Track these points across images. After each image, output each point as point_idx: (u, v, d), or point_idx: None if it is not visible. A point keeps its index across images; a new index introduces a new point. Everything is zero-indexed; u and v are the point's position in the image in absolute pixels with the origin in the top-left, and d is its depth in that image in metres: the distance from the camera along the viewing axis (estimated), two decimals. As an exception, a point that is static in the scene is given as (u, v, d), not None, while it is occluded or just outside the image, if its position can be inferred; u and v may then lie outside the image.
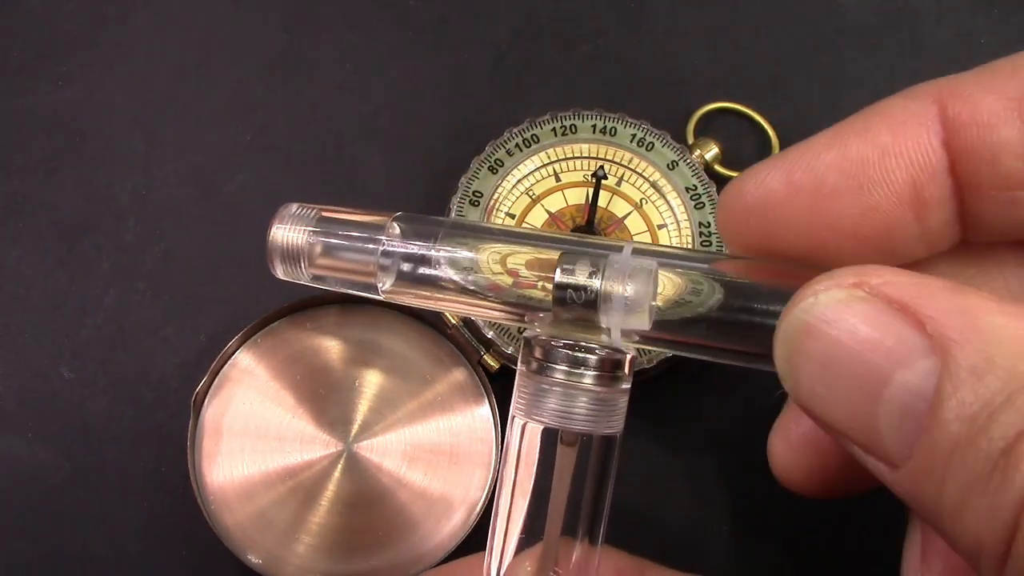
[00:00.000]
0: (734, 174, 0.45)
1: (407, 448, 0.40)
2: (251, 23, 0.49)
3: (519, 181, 0.43)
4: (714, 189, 0.43)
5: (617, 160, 0.43)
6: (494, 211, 0.42)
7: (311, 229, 0.30)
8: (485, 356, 0.41)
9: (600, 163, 0.43)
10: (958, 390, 0.20)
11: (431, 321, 0.42)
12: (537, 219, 0.43)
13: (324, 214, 0.31)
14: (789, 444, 0.32)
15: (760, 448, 0.42)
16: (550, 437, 0.27)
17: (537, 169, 0.43)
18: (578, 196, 0.43)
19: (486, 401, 0.41)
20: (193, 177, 0.46)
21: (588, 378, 0.27)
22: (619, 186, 0.43)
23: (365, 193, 0.46)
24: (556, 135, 0.43)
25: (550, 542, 0.28)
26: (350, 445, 0.40)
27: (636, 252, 0.27)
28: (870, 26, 0.50)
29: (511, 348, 0.40)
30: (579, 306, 0.27)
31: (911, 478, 0.21)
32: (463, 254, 0.29)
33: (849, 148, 0.27)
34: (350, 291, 0.31)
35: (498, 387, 0.41)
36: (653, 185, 0.43)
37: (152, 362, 0.43)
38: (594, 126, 0.44)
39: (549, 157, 0.43)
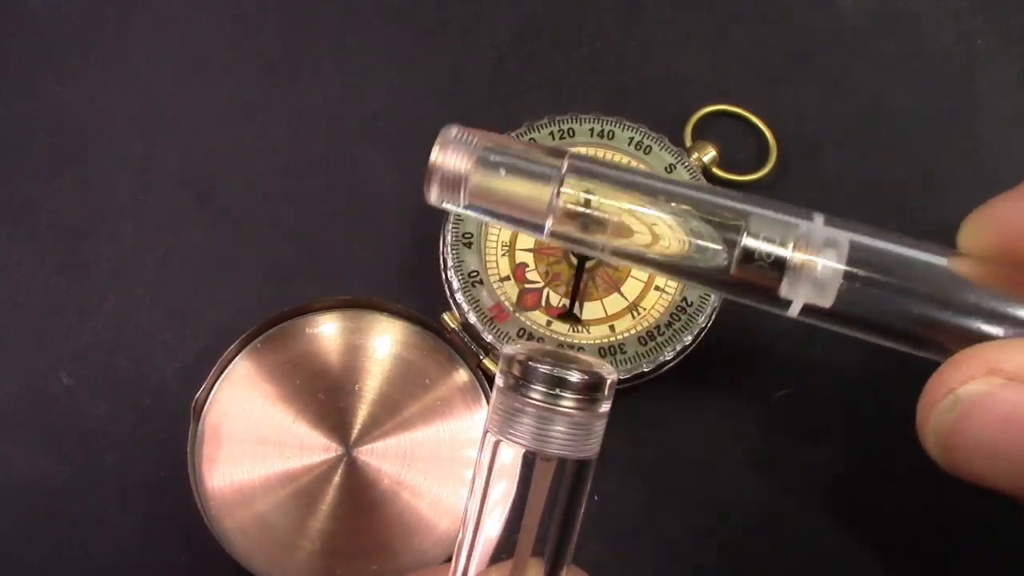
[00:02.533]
0: (732, 177, 0.45)
1: (407, 452, 0.40)
2: (250, 26, 0.49)
3: (518, 185, 0.43)
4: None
5: (616, 163, 0.43)
6: (493, 215, 0.42)
7: (476, 156, 0.29)
8: (485, 360, 0.41)
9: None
10: None
11: (430, 325, 0.42)
12: (536, 223, 0.43)
13: (487, 142, 0.30)
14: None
15: (758, 449, 0.42)
16: (525, 458, 0.27)
17: (536, 173, 0.43)
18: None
19: (486, 405, 0.41)
20: (193, 181, 0.46)
21: (567, 401, 0.26)
22: (618, 190, 0.43)
23: (364, 197, 0.46)
24: (554, 138, 0.43)
25: (520, 560, 0.27)
26: (350, 449, 0.40)
27: (829, 223, 0.27)
28: (868, 28, 0.50)
29: (510, 352, 0.40)
30: (763, 271, 0.26)
31: None
32: (633, 206, 0.28)
33: None
34: (508, 225, 0.29)
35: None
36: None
37: (151, 367, 0.43)
38: (592, 129, 0.44)
39: (548, 161, 0.43)
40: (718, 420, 0.43)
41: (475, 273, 0.41)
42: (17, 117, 0.46)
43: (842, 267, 0.26)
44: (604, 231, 0.28)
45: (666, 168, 0.43)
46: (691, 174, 0.43)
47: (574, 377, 0.26)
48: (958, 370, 0.24)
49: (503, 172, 0.29)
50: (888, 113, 0.48)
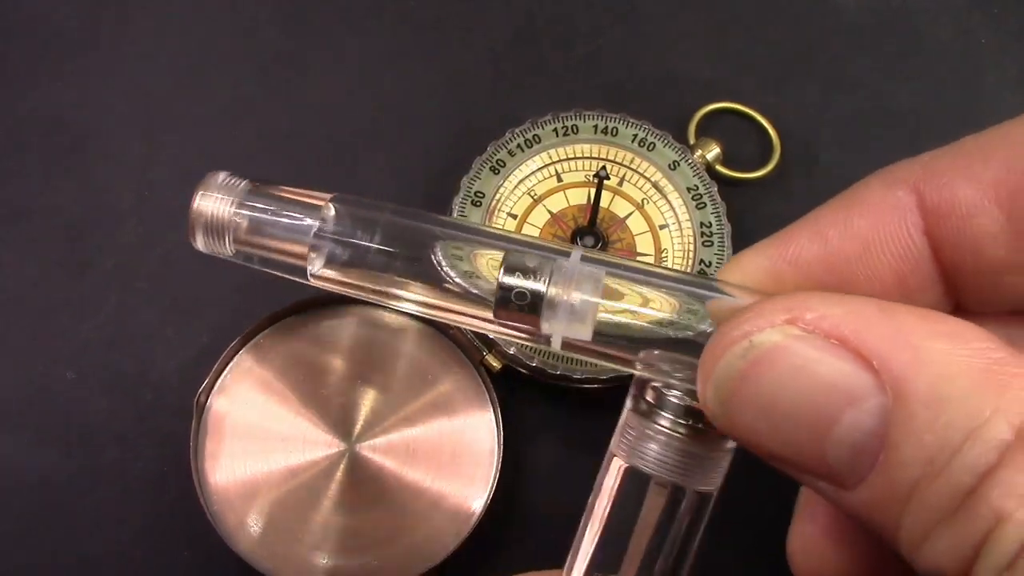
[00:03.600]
0: (735, 174, 0.45)
1: (409, 448, 0.40)
2: (250, 25, 0.49)
3: (521, 181, 0.43)
4: (715, 189, 0.43)
5: (618, 160, 0.43)
6: (496, 212, 0.42)
7: (238, 200, 0.28)
8: (487, 356, 0.41)
9: (602, 164, 0.43)
10: (914, 431, 0.20)
11: (433, 321, 0.42)
12: (539, 219, 0.43)
13: (255, 188, 0.29)
14: (808, 544, 0.30)
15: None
16: (643, 481, 0.26)
17: (539, 169, 0.43)
18: (580, 196, 0.43)
19: (488, 401, 0.41)
20: (193, 179, 0.45)
21: (696, 431, 0.26)
22: (621, 186, 0.43)
23: (366, 193, 0.45)
24: (557, 135, 0.43)
25: None
26: (352, 445, 0.40)
27: (585, 259, 0.26)
28: (869, 25, 0.50)
29: (513, 349, 0.40)
30: (521, 308, 0.26)
31: (863, 504, 0.21)
32: (400, 249, 0.27)
33: (831, 242, 0.27)
34: (276, 272, 0.29)
35: (500, 387, 0.41)
36: (655, 185, 0.43)
37: (153, 363, 0.43)
38: (595, 126, 0.44)
39: (551, 157, 0.43)
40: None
41: (478, 269, 0.41)
42: (18, 116, 0.46)
43: (597, 300, 0.26)
44: (373, 276, 0.28)
45: (670, 165, 0.43)
46: (694, 171, 0.43)
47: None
48: (759, 316, 0.22)
49: (260, 221, 0.28)
50: (889, 110, 0.48)
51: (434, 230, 0.28)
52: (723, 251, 0.41)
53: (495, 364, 0.41)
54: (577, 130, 0.44)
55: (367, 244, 0.27)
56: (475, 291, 0.27)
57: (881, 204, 0.27)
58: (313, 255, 0.28)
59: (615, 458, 0.27)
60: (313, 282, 0.28)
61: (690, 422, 0.25)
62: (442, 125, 0.47)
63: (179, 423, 0.40)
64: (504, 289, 0.26)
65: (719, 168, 0.45)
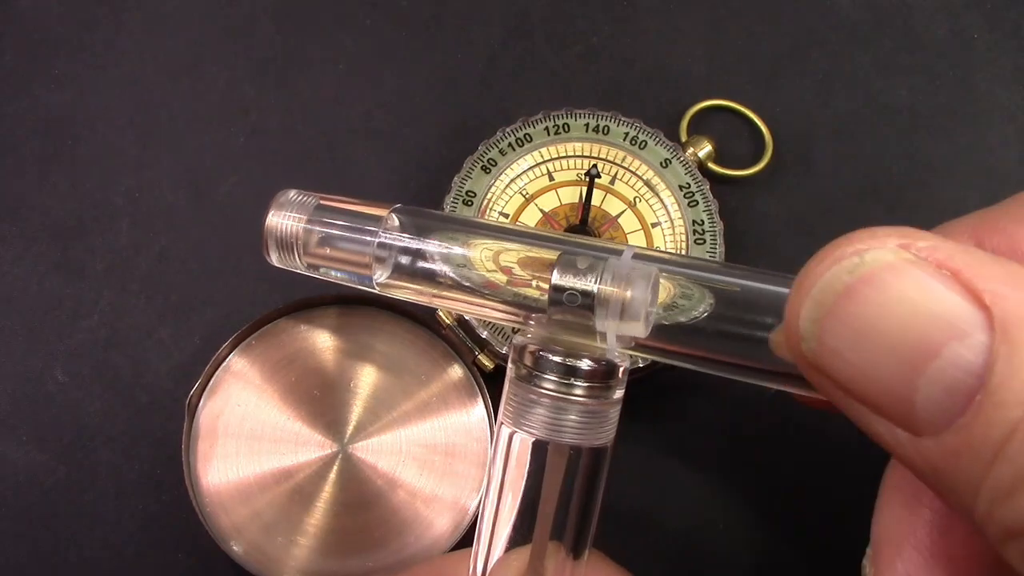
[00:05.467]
0: (728, 172, 0.45)
1: (402, 448, 0.40)
2: (243, 24, 0.49)
3: (512, 180, 0.43)
4: (707, 187, 0.43)
5: (610, 159, 0.43)
6: (487, 210, 0.42)
7: (307, 217, 0.30)
8: (480, 356, 0.41)
9: (593, 162, 0.43)
10: (1019, 373, 0.19)
11: (425, 321, 0.42)
12: (531, 218, 0.43)
13: (322, 202, 0.31)
14: None
15: (755, 446, 0.42)
16: (539, 446, 0.27)
17: (530, 168, 0.43)
18: (571, 195, 0.43)
19: (481, 401, 0.41)
20: (186, 179, 0.46)
21: (579, 389, 0.27)
22: (613, 184, 0.43)
23: (358, 193, 0.45)
24: (549, 134, 0.43)
25: (539, 544, 0.27)
26: (345, 446, 0.40)
27: (637, 256, 0.27)
28: (863, 23, 0.50)
29: (505, 348, 0.40)
30: (575, 309, 0.26)
31: (944, 450, 0.20)
32: (457, 250, 0.29)
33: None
34: (346, 282, 0.30)
35: (493, 387, 0.41)
36: (647, 183, 0.43)
37: (146, 364, 0.43)
38: (587, 125, 0.44)
39: (542, 156, 0.43)
40: (714, 418, 0.43)
41: (470, 269, 0.41)
42: (10, 116, 0.46)
43: (650, 295, 0.26)
44: (433, 281, 0.29)
45: (662, 163, 0.43)
46: (686, 169, 0.43)
47: (586, 365, 0.27)
48: (872, 236, 0.21)
49: (328, 236, 0.30)
50: (883, 108, 0.48)
51: (484, 234, 0.29)
52: (715, 249, 0.41)
53: (487, 364, 0.41)
54: (568, 128, 0.43)
55: (427, 250, 0.29)
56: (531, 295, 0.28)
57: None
58: (377, 265, 0.29)
59: (505, 428, 0.27)
60: (379, 290, 0.30)
61: (574, 380, 0.26)
62: (434, 124, 0.47)
63: (172, 424, 0.40)
64: (557, 290, 0.27)
65: (711, 166, 0.45)
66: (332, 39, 0.49)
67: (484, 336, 0.41)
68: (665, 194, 0.43)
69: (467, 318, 0.41)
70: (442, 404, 0.41)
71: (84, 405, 0.42)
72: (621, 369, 0.27)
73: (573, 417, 0.27)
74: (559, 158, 0.43)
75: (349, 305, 0.42)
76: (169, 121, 0.47)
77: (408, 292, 0.30)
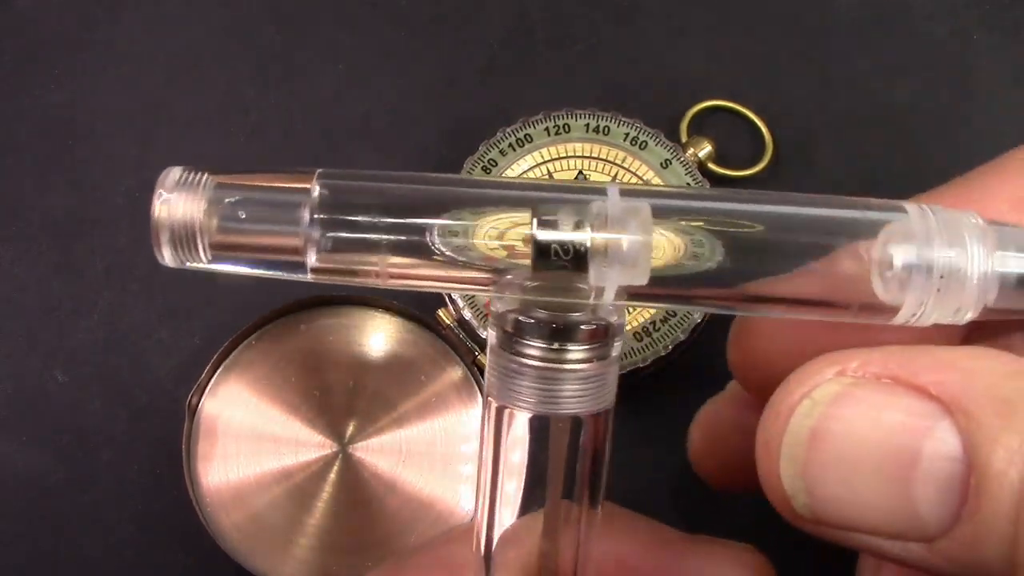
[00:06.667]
0: (728, 172, 0.45)
1: (402, 449, 0.40)
2: (243, 24, 0.49)
3: (513, 181, 0.43)
4: (707, 187, 0.43)
5: (611, 159, 0.43)
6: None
7: (207, 198, 0.23)
8: (480, 356, 0.41)
9: (589, 163, 0.43)
10: (998, 439, 0.19)
11: (425, 321, 0.42)
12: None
13: (226, 180, 0.24)
14: (705, 436, 0.31)
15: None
16: (535, 422, 0.24)
17: (530, 169, 0.43)
18: (572, 195, 0.43)
19: (481, 401, 0.41)
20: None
21: (575, 354, 0.23)
22: (613, 185, 0.43)
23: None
24: (549, 134, 0.43)
25: (552, 509, 0.25)
26: (345, 446, 0.40)
27: (625, 194, 0.23)
28: (863, 23, 0.50)
29: (506, 348, 0.40)
30: (566, 264, 0.22)
31: (963, 543, 0.20)
32: (409, 220, 0.24)
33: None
34: (263, 273, 0.24)
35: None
36: (647, 184, 0.43)
37: (146, 365, 0.43)
38: (587, 125, 0.43)
39: (542, 156, 0.43)
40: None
41: (470, 269, 0.41)
42: (9, 116, 0.46)
43: (649, 237, 0.22)
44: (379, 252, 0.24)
45: (662, 163, 0.43)
46: (686, 169, 0.43)
47: (580, 326, 0.23)
48: (806, 374, 0.21)
49: (242, 214, 0.23)
50: (883, 108, 0.48)
51: (446, 192, 0.24)
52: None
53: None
54: (569, 129, 0.43)
55: (370, 221, 0.23)
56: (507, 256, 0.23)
57: None
58: (309, 246, 0.23)
59: (493, 402, 0.24)
60: (312, 277, 0.24)
61: (568, 345, 0.23)
62: (434, 124, 0.47)
63: (172, 425, 0.40)
64: (541, 246, 0.22)
65: (711, 166, 0.45)
66: (332, 39, 0.49)
67: (484, 336, 0.41)
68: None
69: (467, 318, 0.41)
70: (442, 404, 0.41)
71: (84, 405, 0.42)
72: (616, 325, 0.24)
73: (571, 386, 0.24)
74: (559, 158, 0.43)
75: (349, 305, 0.42)
76: (169, 121, 0.47)
77: (348, 276, 0.24)
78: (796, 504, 0.22)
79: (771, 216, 0.23)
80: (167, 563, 0.40)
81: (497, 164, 0.43)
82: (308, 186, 0.24)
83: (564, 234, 0.22)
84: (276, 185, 0.24)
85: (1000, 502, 0.19)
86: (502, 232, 0.23)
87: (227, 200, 0.23)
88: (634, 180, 0.43)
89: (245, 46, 0.48)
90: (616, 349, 0.24)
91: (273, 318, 0.42)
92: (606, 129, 0.43)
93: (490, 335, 0.24)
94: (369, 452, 0.40)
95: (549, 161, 0.43)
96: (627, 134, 0.43)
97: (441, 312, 0.41)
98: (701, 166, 0.44)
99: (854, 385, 0.21)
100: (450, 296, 0.41)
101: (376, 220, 0.23)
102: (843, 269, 0.22)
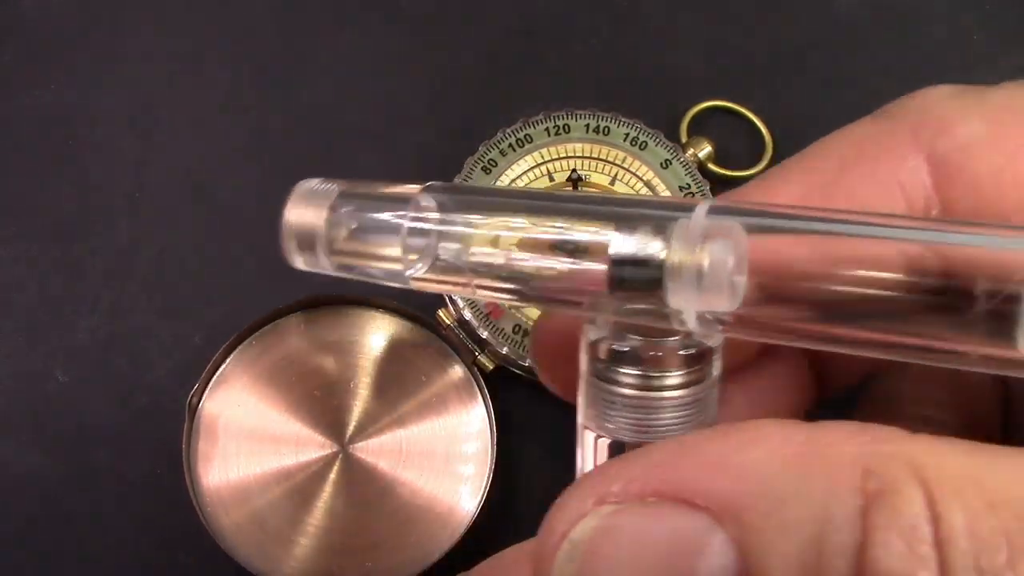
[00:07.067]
0: (728, 172, 0.45)
1: (402, 449, 0.40)
2: (243, 24, 0.49)
3: (512, 181, 0.43)
4: (708, 188, 0.43)
5: (611, 159, 0.43)
6: (488, 211, 0.42)
7: (328, 206, 0.24)
8: (480, 356, 0.41)
9: (583, 164, 0.43)
10: (772, 545, 0.18)
11: (425, 321, 0.42)
12: (531, 219, 0.43)
13: (349, 189, 0.24)
14: (550, 338, 0.28)
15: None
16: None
17: (531, 169, 0.43)
18: (572, 196, 0.43)
19: (481, 401, 0.41)
20: (186, 179, 0.46)
21: (672, 379, 0.22)
22: (613, 185, 0.43)
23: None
24: (549, 135, 0.43)
25: None
26: (345, 446, 0.40)
27: (714, 211, 0.21)
28: (863, 23, 0.50)
29: (506, 348, 0.40)
30: (641, 284, 0.21)
31: None
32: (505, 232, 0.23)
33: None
34: (386, 282, 0.24)
35: (493, 387, 0.41)
36: (647, 184, 0.43)
37: (146, 365, 0.43)
38: (587, 125, 0.44)
39: (542, 157, 0.43)
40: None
41: (470, 269, 0.41)
42: (9, 116, 0.46)
43: (733, 256, 0.20)
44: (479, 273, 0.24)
45: (662, 163, 0.43)
46: (686, 169, 0.43)
47: (670, 353, 0.22)
48: (563, 511, 0.20)
49: (353, 224, 0.24)
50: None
51: (537, 206, 0.23)
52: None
53: (488, 364, 0.41)
54: (569, 129, 0.43)
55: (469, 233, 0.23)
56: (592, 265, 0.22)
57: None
58: (411, 257, 0.23)
59: (588, 432, 0.23)
60: (415, 286, 0.24)
61: (659, 372, 0.22)
62: (434, 124, 0.47)
63: (172, 425, 0.40)
64: (618, 263, 0.21)
65: (711, 167, 0.45)
66: (332, 40, 0.49)
67: (484, 336, 0.41)
68: (665, 195, 0.43)
69: (467, 318, 0.41)
70: (442, 404, 0.41)
71: (84, 406, 0.42)
72: (715, 348, 0.22)
73: (669, 414, 0.22)
74: (559, 159, 0.43)
75: (349, 305, 0.42)
76: (169, 121, 0.47)
77: (449, 286, 0.24)
78: None
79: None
80: (167, 563, 0.40)
81: (497, 164, 0.43)
82: (413, 195, 0.24)
83: (639, 249, 0.21)
84: (385, 192, 0.24)
85: None
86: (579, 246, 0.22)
87: (343, 210, 0.24)
88: (634, 180, 0.43)
89: (245, 46, 0.48)
90: (716, 369, 0.23)
91: (273, 318, 0.42)
92: (606, 129, 0.43)
93: (582, 362, 0.23)
94: (369, 452, 0.40)
95: (549, 161, 0.43)
96: (627, 134, 0.43)
97: (441, 312, 0.41)
98: (701, 166, 0.44)
99: (615, 513, 0.19)
100: (450, 296, 0.41)
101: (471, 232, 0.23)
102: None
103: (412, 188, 0.24)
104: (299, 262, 0.25)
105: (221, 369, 0.41)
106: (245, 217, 0.45)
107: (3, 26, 0.48)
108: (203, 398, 0.41)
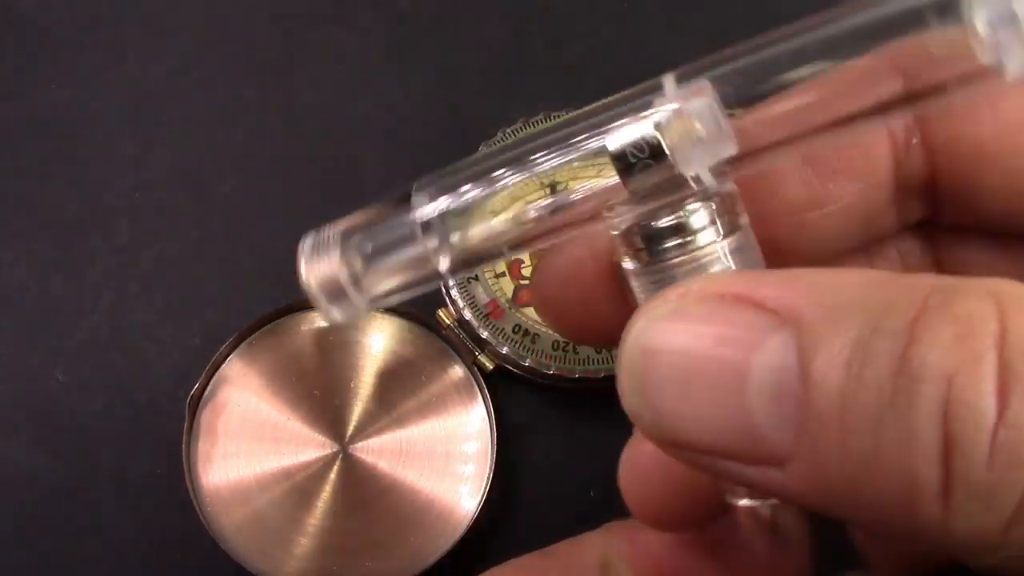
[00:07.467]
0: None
1: (402, 449, 0.40)
2: (243, 24, 0.49)
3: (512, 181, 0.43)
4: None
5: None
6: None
7: (340, 247, 0.24)
8: (480, 356, 0.41)
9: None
10: (823, 343, 0.19)
11: (425, 321, 0.42)
12: (531, 219, 0.43)
13: (346, 228, 0.25)
14: (639, 472, 0.29)
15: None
16: None
17: (531, 169, 0.43)
18: (572, 195, 0.43)
19: (481, 401, 0.41)
20: (186, 178, 0.46)
21: (711, 233, 0.23)
22: (613, 185, 0.43)
23: (358, 194, 0.45)
24: (549, 135, 0.43)
25: None
26: (346, 446, 0.40)
27: (682, 78, 0.23)
28: (862, 23, 0.50)
29: (506, 348, 0.40)
30: (650, 164, 0.22)
31: (806, 463, 0.19)
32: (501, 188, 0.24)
33: None
34: (418, 291, 0.25)
35: (493, 387, 0.41)
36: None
37: (147, 364, 0.43)
38: (587, 125, 0.44)
39: (543, 157, 0.43)
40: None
41: (470, 269, 0.41)
42: (11, 116, 0.46)
43: (717, 107, 0.22)
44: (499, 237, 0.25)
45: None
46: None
47: (700, 210, 0.23)
48: (650, 302, 0.21)
49: (369, 247, 0.25)
50: (883, 108, 0.48)
51: (524, 153, 0.24)
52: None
53: (488, 364, 0.41)
54: (569, 129, 0.43)
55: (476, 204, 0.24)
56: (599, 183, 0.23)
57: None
58: (435, 254, 0.24)
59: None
60: (451, 279, 0.26)
61: (700, 231, 0.23)
62: (433, 124, 0.47)
63: (172, 425, 0.40)
64: (619, 158, 0.22)
65: (711, 167, 0.45)
66: (332, 39, 0.49)
67: (484, 336, 0.41)
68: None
69: (467, 318, 0.41)
70: (442, 404, 0.41)
71: (84, 405, 0.42)
72: (735, 191, 0.24)
73: (719, 266, 0.23)
74: (559, 158, 0.43)
75: (349, 305, 0.42)
76: (169, 120, 0.47)
77: (482, 261, 0.25)
78: (644, 423, 0.22)
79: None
80: (167, 563, 0.40)
81: (497, 164, 0.43)
82: (410, 210, 0.24)
83: (630, 134, 0.22)
84: (382, 211, 0.25)
85: (825, 411, 0.18)
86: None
87: (352, 241, 0.24)
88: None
89: (245, 46, 0.48)
90: (744, 216, 0.24)
91: (273, 318, 0.42)
92: (606, 129, 0.43)
93: (626, 265, 0.24)
94: (369, 452, 0.40)
95: (549, 161, 0.43)
96: (627, 134, 0.43)
97: (441, 312, 0.41)
98: (701, 166, 0.44)
99: (691, 303, 0.21)
100: (450, 296, 0.41)
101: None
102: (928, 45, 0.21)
103: (402, 194, 0.25)
104: (337, 315, 0.25)
105: (221, 369, 0.41)
106: (245, 217, 0.45)
107: (3, 26, 0.48)
108: (203, 398, 0.41)
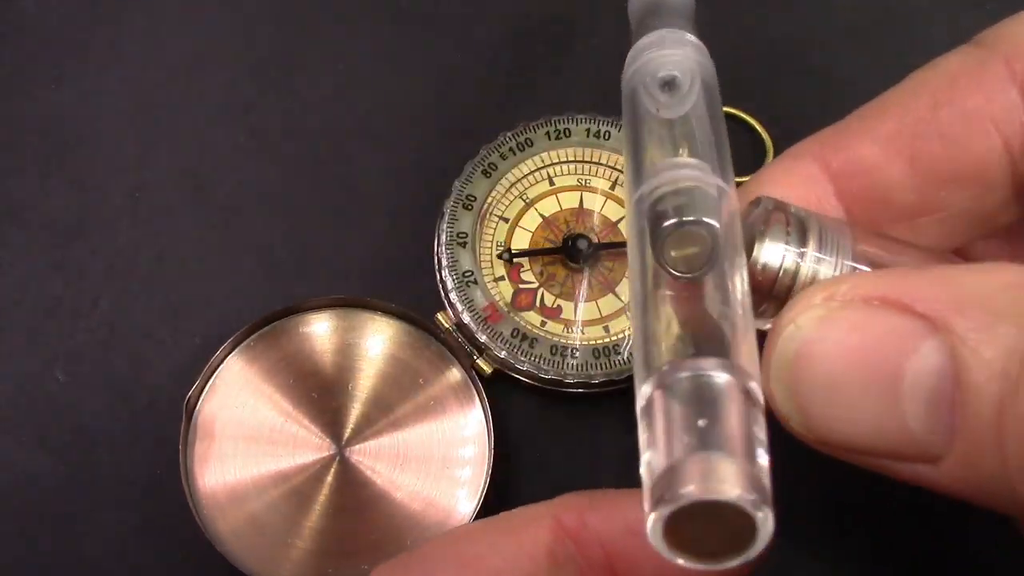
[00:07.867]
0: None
1: (400, 452, 0.40)
2: (243, 25, 0.49)
3: (513, 185, 0.43)
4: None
5: (611, 164, 0.43)
6: (488, 215, 0.42)
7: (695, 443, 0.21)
8: (478, 360, 0.41)
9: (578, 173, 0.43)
10: (978, 351, 0.19)
11: (424, 324, 0.42)
12: (531, 223, 0.43)
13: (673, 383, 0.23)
14: None
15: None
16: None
17: (531, 173, 0.43)
18: (572, 200, 0.43)
19: (479, 405, 0.41)
20: (186, 179, 0.46)
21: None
22: (612, 190, 0.43)
23: (358, 196, 0.46)
24: (550, 138, 0.43)
25: None
26: (343, 449, 0.40)
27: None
28: (863, 26, 0.50)
29: (504, 352, 0.41)
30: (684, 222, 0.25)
31: (961, 462, 0.20)
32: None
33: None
34: None
35: (491, 391, 0.41)
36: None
37: (146, 365, 0.43)
38: (587, 130, 0.44)
39: (543, 161, 0.43)
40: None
41: (469, 273, 0.41)
42: (10, 116, 0.46)
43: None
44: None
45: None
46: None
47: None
48: (796, 303, 0.22)
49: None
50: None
51: None
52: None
53: (486, 368, 0.41)
54: (569, 133, 0.44)
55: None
56: None
57: (786, 178, 0.29)
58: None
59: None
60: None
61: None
62: (434, 127, 0.47)
63: (172, 425, 0.40)
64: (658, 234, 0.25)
65: (711, 170, 0.45)
66: (332, 39, 0.48)
67: (483, 340, 0.41)
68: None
69: (466, 322, 0.41)
70: (440, 408, 0.41)
71: (83, 406, 0.42)
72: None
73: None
74: (560, 163, 0.43)
75: (348, 308, 0.42)
76: (169, 121, 0.47)
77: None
78: (793, 424, 0.22)
79: None
80: (164, 564, 0.40)
81: (497, 168, 0.43)
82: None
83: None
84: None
85: (982, 417, 0.19)
86: None
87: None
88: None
89: (245, 47, 0.48)
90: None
91: (272, 320, 0.42)
92: (607, 134, 0.44)
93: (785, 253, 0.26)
94: (367, 455, 0.40)
95: (549, 165, 0.43)
96: (627, 138, 0.43)
97: (440, 315, 0.41)
98: (700, 170, 0.44)
99: (840, 308, 0.21)
100: (449, 299, 0.41)
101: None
102: None
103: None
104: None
105: (219, 370, 0.41)
106: (245, 217, 0.45)
107: (3, 26, 0.48)
108: (201, 399, 0.41)
